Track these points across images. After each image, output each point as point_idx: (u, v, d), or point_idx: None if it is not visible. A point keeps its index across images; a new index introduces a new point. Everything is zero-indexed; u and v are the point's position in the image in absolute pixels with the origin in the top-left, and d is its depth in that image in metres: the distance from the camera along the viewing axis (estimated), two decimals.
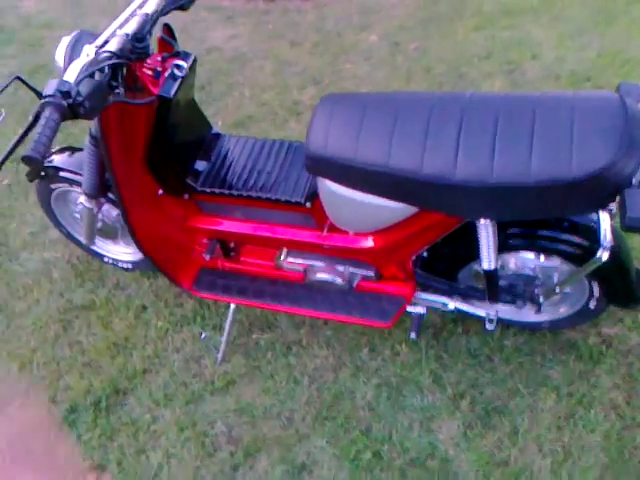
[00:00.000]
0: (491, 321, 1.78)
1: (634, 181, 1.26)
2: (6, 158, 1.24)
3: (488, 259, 1.55)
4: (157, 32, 1.58)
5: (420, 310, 1.76)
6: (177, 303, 2.11)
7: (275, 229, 1.75)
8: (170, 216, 1.79)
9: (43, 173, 1.95)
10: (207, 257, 1.85)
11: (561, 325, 1.88)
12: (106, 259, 2.19)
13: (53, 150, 1.95)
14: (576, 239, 1.56)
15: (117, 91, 1.44)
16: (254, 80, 3.33)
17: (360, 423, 1.76)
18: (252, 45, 3.67)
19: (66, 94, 1.19)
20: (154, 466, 1.70)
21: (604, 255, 1.37)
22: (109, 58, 1.35)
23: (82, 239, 2.06)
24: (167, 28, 1.63)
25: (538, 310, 1.76)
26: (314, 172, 1.54)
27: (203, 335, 1.93)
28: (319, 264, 1.81)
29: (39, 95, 1.22)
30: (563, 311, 1.84)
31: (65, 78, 1.23)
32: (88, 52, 1.33)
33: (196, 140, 1.75)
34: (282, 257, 1.85)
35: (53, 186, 2.01)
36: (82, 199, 1.82)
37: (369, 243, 1.66)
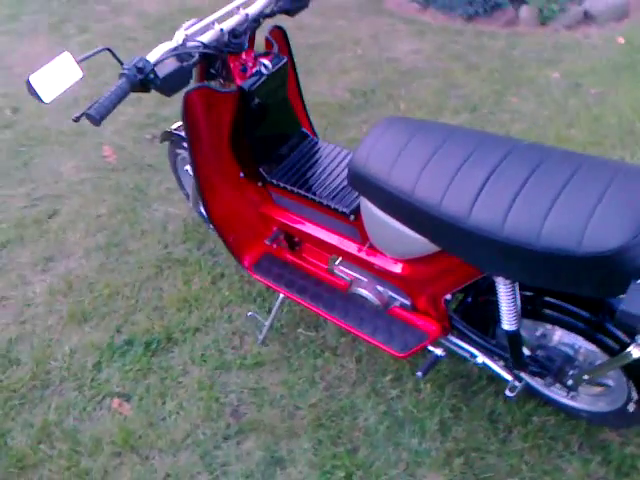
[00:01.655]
0: (512, 389, 1.66)
1: None
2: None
3: (507, 319, 1.47)
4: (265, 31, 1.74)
5: (438, 352, 1.71)
6: (250, 281, 2.29)
7: (328, 234, 1.83)
8: (246, 199, 1.95)
9: (172, 138, 2.24)
10: (270, 245, 1.98)
11: (601, 421, 1.68)
12: (210, 226, 2.45)
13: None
14: (610, 327, 1.40)
15: (213, 79, 1.65)
16: (415, 95, 3.38)
17: (350, 442, 1.77)
18: (430, 62, 3.70)
19: (140, 70, 1.39)
20: (165, 411, 1.90)
21: (635, 352, 1.22)
22: (197, 47, 1.54)
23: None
24: (278, 30, 1.79)
25: (568, 393, 1.60)
26: (354, 187, 1.58)
27: (250, 314, 2.08)
28: (364, 279, 1.84)
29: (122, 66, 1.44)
30: (601, 405, 1.64)
31: (147, 57, 1.44)
32: (178, 38, 1.53)
33: (279, 136, 1.88)
34: (336, 263, 1.92)
35: (178, 151, 2.30)
36: (188, 167, 2.07)
37: (398, 269, 1.66)
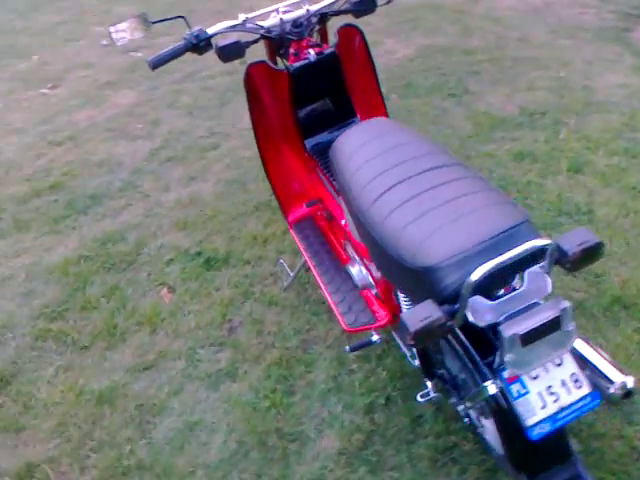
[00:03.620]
0: (424, 395, 1.72)
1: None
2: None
3: None
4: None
5: (375, 337, 1.83)
6: None
7: (340, 215, 2.05)
8: (299, 163, 2.27)
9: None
10: (309, 209, 2.27)
11: (502, 464, 1.64)
12: None
13: None
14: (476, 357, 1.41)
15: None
16: (582, 127, 3.23)
17: (291, 386, 2.01)
18: (627, 99, 3.43)
19: (196, 37, 1.81)
20: (188, 309, 2.36)
21: (491, 388, 1.28)
22: (256, 29, 1.90)
23: None
24: (348, 28, 2.02)
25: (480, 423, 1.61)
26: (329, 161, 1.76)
27: (281, 261, 2.40)
28: (356, 260, 2.02)
29: None
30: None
31: (208, 29, 1.85)
32: (240, 18, 1.91)
33: (327, 117, 2.12)
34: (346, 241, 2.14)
35: None
36: None
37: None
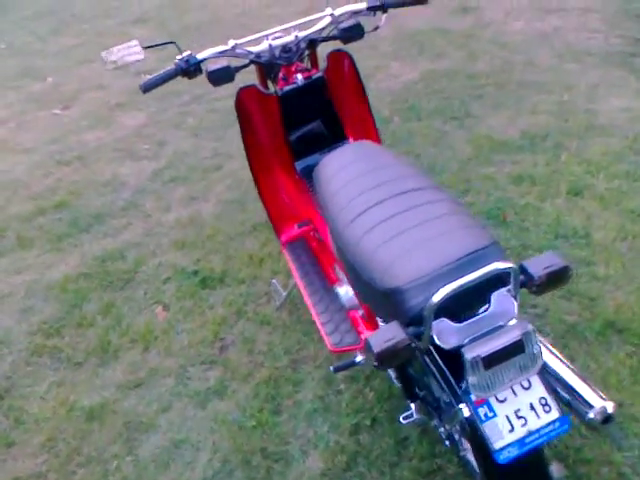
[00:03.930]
0: (407, 417, 1.71)
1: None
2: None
3: None
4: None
5: (359, 358, 1.83)
6: None
7: (329, 238, 2.07)
8: (291, 184, 2.29)
9: None
10: (299, 229, 2.28)
11: None
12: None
13: None
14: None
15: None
16: (582, 151, 3.21)
17: (278, 405, 2.01)
18: (630, 122, 3.43)
19: (186, 62, 1.85)
20: (181, 328, 2.38)
21: (465, 410, 1.27)
22: (246, 54, 1.94)
23: None
24: (337, 53, 2.05)
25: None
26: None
27: (273, 281, 2.42)
28: (344, 281, 2.02)
29: None
30: None
31: (198, 55, 1.89)
32: (230, 43, 1.95)
33: (319, 139, 2.14)
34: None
35: None
36: None
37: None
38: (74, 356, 2.29)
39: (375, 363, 1.14)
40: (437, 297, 1.10)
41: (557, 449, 1.75)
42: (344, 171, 1.62)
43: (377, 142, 2.21)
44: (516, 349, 1.12)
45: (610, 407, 1.37)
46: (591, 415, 1.37)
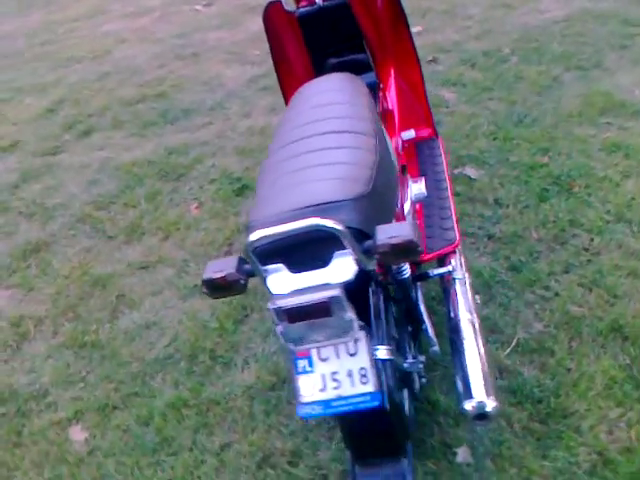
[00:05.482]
0: None
1: None
2: None
3: None
4: None
5: None
6: None
7: None
8: None
9: None
10: None
11: None
12: None
13: None
14: None
15: None
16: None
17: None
18: None
19: None
20: (199, 232, 2.54)
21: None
22: None
23: None
24: None
25: None
26: None
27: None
28: None
29: None
30: None
31: None
32: None
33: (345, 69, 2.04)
34: None
35: None
36: None
37: None
38: (109, 230, 2.56)
39: (204, 290, 1.17)
40: (252, 237, 1.08)
41: (478, 435, 1.63)
42: (306, 101, 1.57)
43: (421, 91, 2.07)
44: (321, 311, 1.07)
45: (490, 406, 1.29)
46: (466, 406, 1.30)
